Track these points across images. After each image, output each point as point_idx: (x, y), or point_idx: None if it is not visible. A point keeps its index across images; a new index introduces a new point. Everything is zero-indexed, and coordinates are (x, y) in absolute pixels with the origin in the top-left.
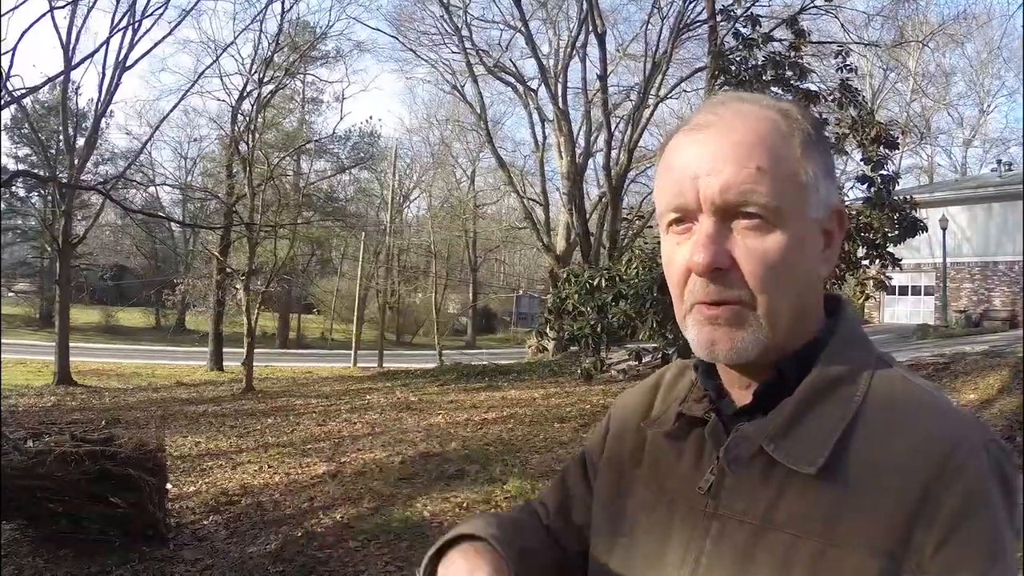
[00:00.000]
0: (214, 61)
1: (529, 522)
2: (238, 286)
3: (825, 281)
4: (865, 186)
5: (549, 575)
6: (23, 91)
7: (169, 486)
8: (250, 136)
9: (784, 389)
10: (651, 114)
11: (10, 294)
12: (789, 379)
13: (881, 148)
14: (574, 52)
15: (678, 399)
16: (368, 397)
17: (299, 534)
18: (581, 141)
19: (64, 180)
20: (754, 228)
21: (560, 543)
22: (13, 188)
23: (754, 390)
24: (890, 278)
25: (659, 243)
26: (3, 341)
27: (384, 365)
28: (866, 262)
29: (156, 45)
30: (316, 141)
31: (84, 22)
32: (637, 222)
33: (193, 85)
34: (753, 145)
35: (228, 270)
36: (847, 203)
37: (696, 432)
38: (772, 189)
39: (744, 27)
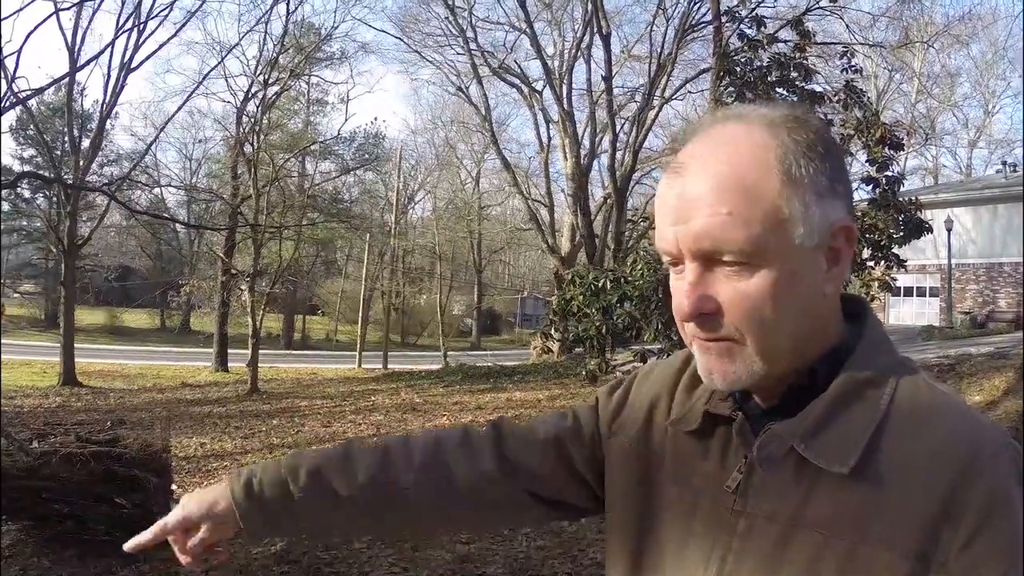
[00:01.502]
0: (219, 63)
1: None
2: (243, 287)
3: (837, 293)
4: (870, 187)
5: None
6: (29, 92)
7: (174, 487)
8: (255, 137)
9: (809, 393)
10: (656, 115)
11: (15, 295)
12: (820, 381)
13: (886, 149)
14: (579, 53)
15: (702, 398)
16: (373, 398)
17: (304, 535)
18: (586, 142)
19: (69, 181)
20: (735, 272)
21: (513, 470)
22: (18, 189)
23: (781, 392)
24: (895, 279)
25: None
26: (9, 342)
27: (389, 366)
28: (871, 263)
29: (161, 47)
30: (321, 142)
31: (89, 24)
32: (642, 223)
33: (198, 86)
34: (724, 189)
35: (233, 271)
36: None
37: (721, 431)
38: (747, 233)
39: (749, 28)
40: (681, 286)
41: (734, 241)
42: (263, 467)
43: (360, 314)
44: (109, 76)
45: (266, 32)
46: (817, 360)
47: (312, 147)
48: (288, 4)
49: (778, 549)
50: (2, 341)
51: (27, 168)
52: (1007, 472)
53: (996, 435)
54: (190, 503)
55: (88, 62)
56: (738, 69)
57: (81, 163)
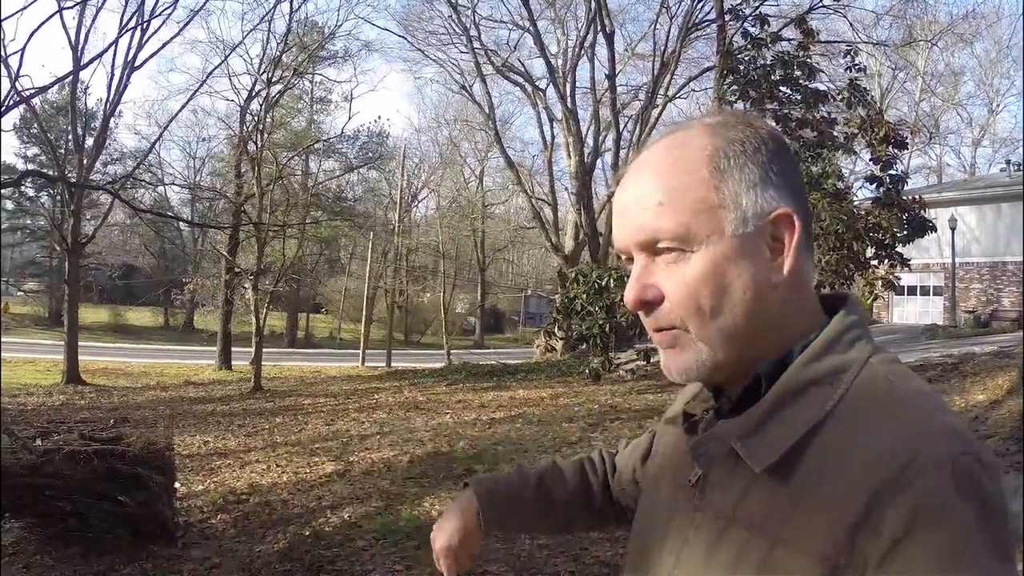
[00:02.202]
0: (223, 61)
1: (554, 474)
2: (247, 285)
3: (795, 283)
4: (874, 186)
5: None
6: (32, 91)
7: (177, 485)
8: (259, 136)
9: (766, 389)
10: (660, 114)
11: (19, 293)
12: (767, 380)
13: (890, 148)
14: (582, 52)
15: (688, 398)
16: (376, 396)
17: (307, 533)
18: (590, 140)
19: (73, 180)
20: (672, 260)
21: (613, 493)
22: (23, 188)
23: (740, 390)
24: (899, 278)
25: None
26: (13, 340)
27: (392, 364)
28: (875, 262)
29: (165, 45)
30: (324, 141)
31: (93, 22)
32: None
33: (202, 85)
34: (655, 182)
35: (237, 269)
36: (856, 202)
37: (698, 429)
38: (677, 219)
39: (753, 26)
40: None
41: (666, 228)
42: (493, 480)
43: (364, 312)
44: (113, 74)
45: (269, 30)
46: (772, 357)
47: (316, 145)
48: (291, 2)
49: (714, 545)
50: (3, 339)
51: (31, 167)
52: (944, 484)
53: (945, 442)
54: (444, 536)
55: (92, 60)
56: (742, 67)
57: (85, 161)
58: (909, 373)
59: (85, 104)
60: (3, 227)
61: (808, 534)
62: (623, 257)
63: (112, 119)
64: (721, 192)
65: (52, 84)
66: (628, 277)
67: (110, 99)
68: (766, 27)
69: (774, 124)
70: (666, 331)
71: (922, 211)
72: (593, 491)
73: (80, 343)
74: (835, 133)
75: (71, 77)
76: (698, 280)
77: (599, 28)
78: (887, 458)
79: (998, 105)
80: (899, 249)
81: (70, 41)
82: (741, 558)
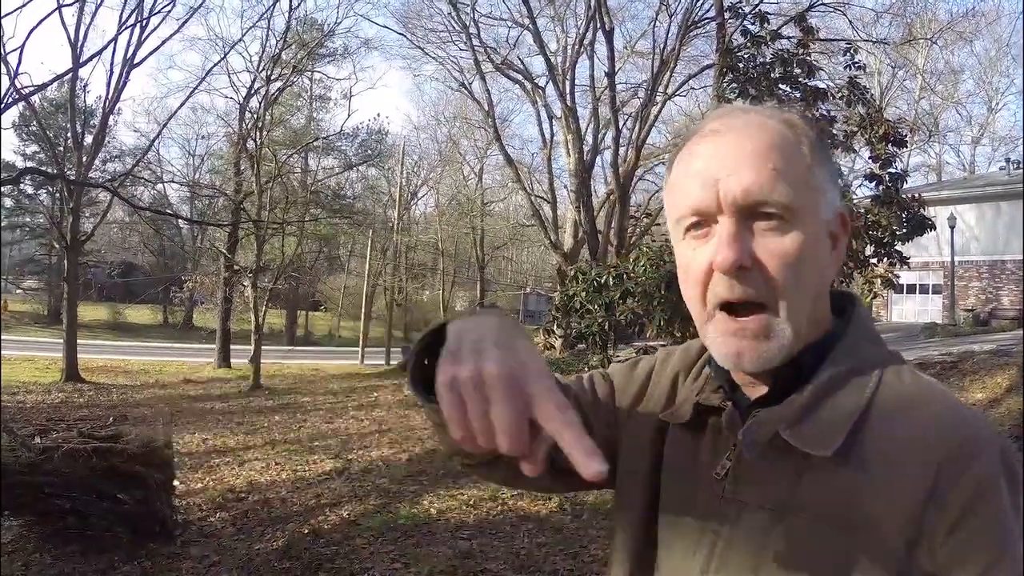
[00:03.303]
0: (222, 58)
1: None
2: (246, 283)
3: (832, 282)
4: (873, 184)
5: None
6: (31, 88)
7: (176, 483)
8: (258, 133)
9: (799, 379)
10: (659, 111)
11: (18, 291)
12: (806, 369)
13: (889, 146)
14: (582, 49)
15: (695, 390)
16: (375, 394)
17: (306, 531)
18: (589, 138)
19: (72, 177)
20: (774, 228)
21: None
22: (21, 185)
23: (769, 382)
24: (898, 276)
25: (667, 240)
26: (12, 338)
27: (392, 362)
28: (874, 260)
29: (164, 42)
30: (324, 138)
31: (92, 19)
32: (645, 219)
33: (201, 82)
34: (768, 148)
35: (236, 267)
36: (855, 201)
37: (713, 422)
38: (788, 190)
39: (752, 24)
40: (708, 248)
41: (780, 193)
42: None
43: (363, 310)
44: (112, 72)
45: (269, 28)
46: (812, 345)
47: (315, 143)
48: (291, 0)
49: (765, 535)
50: (2, 337)
51: (30, 164)
52: (995, 461)
53: (983, 425)
54: (514, 356)
55: (91, 58)
56: (741, 65)
57: (84, 159)
58: (918, 370)
59: (84, 101)
60: (2, 224)
61: (876, 514)
62: (691, 219)
63: (111, 116)
64: (819, 176)
65: (51, 81)
66: (670, 271)
67: (109, 96)
68: (766, 25)
69: None
70: (755, 316)
71: (921, 209)
72: None
73: (79, 341)
74: (834, 131)
75: (70, 74)
76: (799, 253)
77: (598, 26)
78: (946, 435)
79: (997, 103)
80: (898, 247)
81: (69, 38)
82: (804, 546)
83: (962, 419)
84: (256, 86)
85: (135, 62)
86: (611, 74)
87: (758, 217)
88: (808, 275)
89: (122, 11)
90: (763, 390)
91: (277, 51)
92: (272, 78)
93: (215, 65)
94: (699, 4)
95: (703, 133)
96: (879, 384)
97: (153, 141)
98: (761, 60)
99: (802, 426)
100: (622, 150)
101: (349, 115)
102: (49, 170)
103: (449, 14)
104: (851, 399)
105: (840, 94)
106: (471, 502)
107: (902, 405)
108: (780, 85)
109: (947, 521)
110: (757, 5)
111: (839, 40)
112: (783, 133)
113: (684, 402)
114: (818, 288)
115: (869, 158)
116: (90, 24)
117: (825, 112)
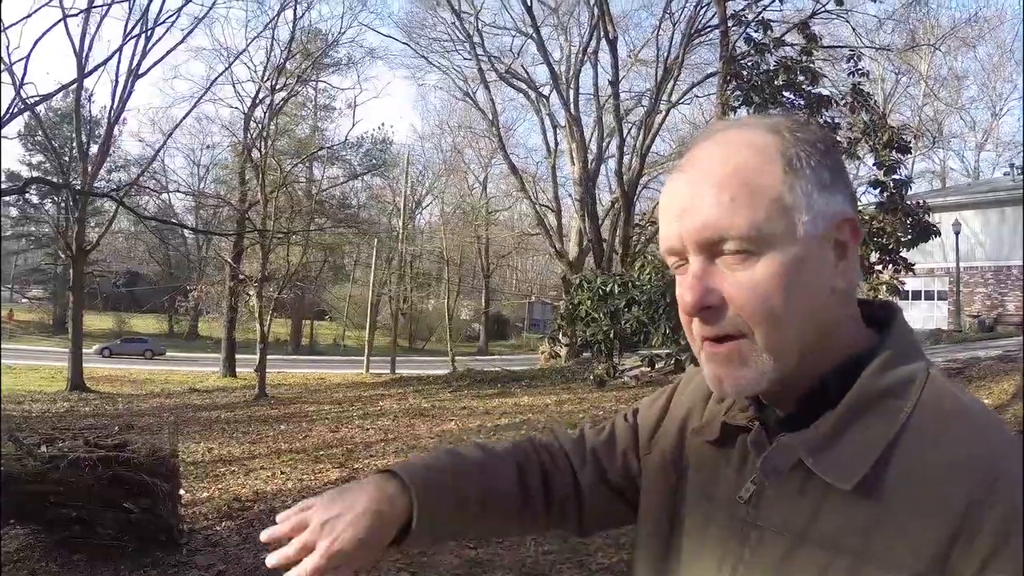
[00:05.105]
0: (226, 68)
1: (489, 463)
2: (251, 292)
3: (850, 291)
4: (878, 191)
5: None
6: (37, 99)
7: (182, 492)
8: (263, 143)
9: (829, 400)
10: (663, 119)
11: (24, 300)
12: (833, 390)
13: (893, 152)
14: (586, 58)
15: (723, 407)
16: (381, 403)
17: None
18: (593, 147)
19: (77, 187)
20: (739, 261)
21: (576, 475)
22: (27, 195)
23: (796, 399)
24: (903, 283)
25: None
26: (18, 347)
27: (396, 371)
28: (879, 267)
29: (169, 53)
30: (328, 148)
31: (97, 30)
32: (650, 228)
33: (206, 92)
34: (727, 177)
35: (241, 276)
36: (860, 207)
37: (740, 441)
38: (750, 218)
39: (756, 32)
40: (685, 280)
41: (737, 227)
42: (426, 468)
43: (368, 319)
44: (117, 82)
45: (273, 38)
46: (831, 367)
47: (319, 152)
48: (295, 10)
49: (784, 563)
50: (7, 346)
51: (35, 174)
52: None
53: (1015, 453)
54: (353, 529)
55: (96, 68)
56: (745, 73)
57: (89, 169)
58: (960, 387)
59: (89, 111)
60: (8, 234)
61: (898, 550)
62: (671, 257)
63: (116, 126)
64: (795, 191)
65: (57, 92)
66: (674, 278)
67: (114, 106)
68: (769, 32)
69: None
70: (728, 341)
71: (926, 216)
72: (551, 483)
73: (84, 350)
74: (838, 138)
75: (75, 84)
76: (770, 283)
77: (602, 34)
78: (976, 468)
79: (1001, 108)
80: (903, 254)
81: (74, 49)
82: None
83: (997, 446)
84: (261, 96)
85: (140, 72)
86: (615, 82)
87: (722, 254)
88: (793, 299)
89: (127, 22)
90: (792, 408)
91: (281, 61)
92: (277, 88)
93: (220, 75)
94: (702, 12)
95: (676, 167)
96: (915, 407)
97: (158, 151)
98: (765, 67)
99: (827, 453)
100: (626, 158)
101: (354, 125)
102: (55, 180)
103: (453, 23)
104: (881, 424)
105: (844, 101)
106: None
107: (936, 432)
108: (784, 92)
109: (975, 561)
110: (760, 13)
111: (842, 47)
112: (755, 150)
113: (713, 420)
114: (812, 309)
115: (873, 165)
116: (95, 35)
117: (829, 119)
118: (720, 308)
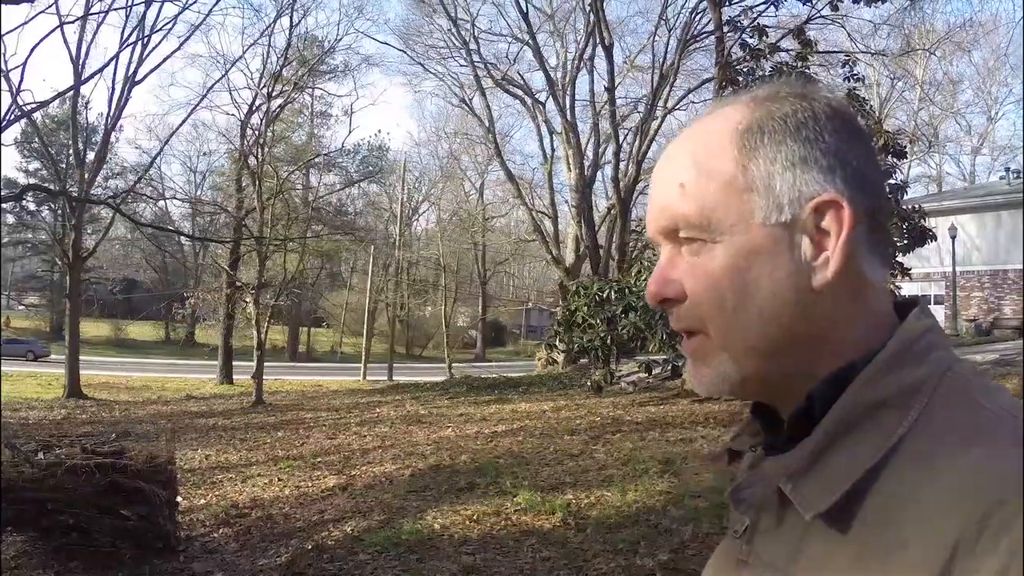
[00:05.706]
0: (223, 75)
1: None
2: (248, 299)
3: (851, 289)
4: None
5: None
6: (33, 105)
7: (179, 499)
8: (259, 150)
9: (811, 420)
10: (659, 125)
11: (21, 307)
12: (820, 404)
13: (889, 157)
14: (582, 64)
15: (735, 432)
16: (378, 410)
17: (309, 547)
18: (589, 153)
19: (74, 194)
20: (695, 251)
21: None
22: (24, 202)
23: (792, 417)
24: (900, 287)
25: None
26: (13, 354)
27: (394, 378)
28: None
29: (165, 60)
30: (325, 155)
31: (94, 37)
32: (646, 234)
33: (202, 99)
34: (680, 161)
35: (238, 283)
36: None
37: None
38: (698, 203)
39: (751, 37)
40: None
41: (685, 214)
42: None
43: (365, 326)
44: (113, 89)
45: (269, 45)
46: (827, 376)
47: (316, 159)
48: (291, 17)
49: None
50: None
51: (32, 181)
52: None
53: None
54: None
55: (93, 75)
56: (740, 78)
57: (86, 176)
58: (995, 387)
59: (86, 118)
60: (4, 241)
61: None
62: (656, 246)
63: (113, 133)
64: (750, 173)
65: (53, 99)
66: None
67: (111, 113)
68: (764, 38)
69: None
70: (691, 337)
71: (922, 220)
72: None
73: (81, 357)
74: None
75: (72, 91)
76: (720, 274)
77: (598, 41)
78: (977, 493)
79: (997, 113)
80: (900, 258)
81: (71, 56)
82: None
83: (1006, 471)
84: (257, 103)
85: (136, 79)
86: (611, 89)
87: (682, 240)
88: (740, 295)
89: (123, 29)
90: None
91: (278, 68)
92: (273, 95)
93: (216, 82)
94: (698, 18)
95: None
96: (918, 419)
97: (155, 158)
98: (760, 73)
99: (806, 478)
100: (623, 164)
101: (350, 131)
102: (51, 187)
103: (449, 30)
104: (872, 441)
105: None
106: (474, 517)
107: (934, 450)
108: None
109: None
110: (756, 18)
111: (838, 52)
112: (707, 135)
113: (724, 446)
114: (777, 306)
115: None
116: (92, 42)
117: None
118: (678, 300)
